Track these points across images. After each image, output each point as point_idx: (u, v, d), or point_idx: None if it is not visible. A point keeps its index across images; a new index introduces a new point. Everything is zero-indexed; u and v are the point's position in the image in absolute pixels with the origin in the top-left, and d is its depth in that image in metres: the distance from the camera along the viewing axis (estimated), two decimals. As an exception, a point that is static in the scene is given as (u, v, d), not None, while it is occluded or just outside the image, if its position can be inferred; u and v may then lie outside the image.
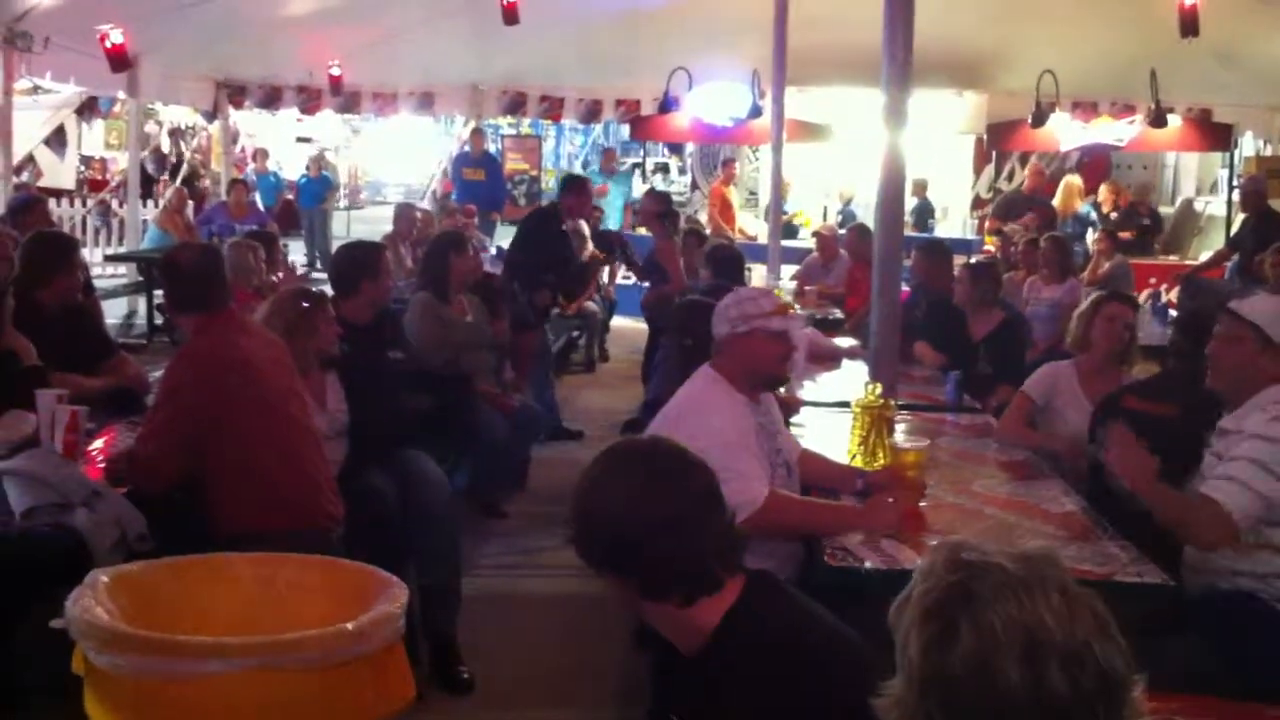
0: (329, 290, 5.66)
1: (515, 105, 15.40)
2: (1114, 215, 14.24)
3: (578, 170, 28.83)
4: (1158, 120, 12.94)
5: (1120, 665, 1.60)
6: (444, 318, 6.86)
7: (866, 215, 12.40)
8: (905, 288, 8.34)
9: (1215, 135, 14.06)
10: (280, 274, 7.81)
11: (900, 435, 4.91)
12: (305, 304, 4.83)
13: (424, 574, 4.97)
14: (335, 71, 13.91)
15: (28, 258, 5.50)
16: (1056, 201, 14.39)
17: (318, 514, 4.19)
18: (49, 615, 2.92)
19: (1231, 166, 15.32)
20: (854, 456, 4.60)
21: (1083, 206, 14.60)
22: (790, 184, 15.25)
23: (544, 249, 8.89)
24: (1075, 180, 15.00)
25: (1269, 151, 15.13)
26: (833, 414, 5.48)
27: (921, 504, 4.10)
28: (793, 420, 5.15)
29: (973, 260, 8.10)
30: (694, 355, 4.89)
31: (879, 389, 4.64)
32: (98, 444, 4.61)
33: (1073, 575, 3.33)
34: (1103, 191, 14.79)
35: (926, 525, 3.98)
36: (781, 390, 4.77)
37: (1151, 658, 3.35)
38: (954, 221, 15.68)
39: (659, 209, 10.06)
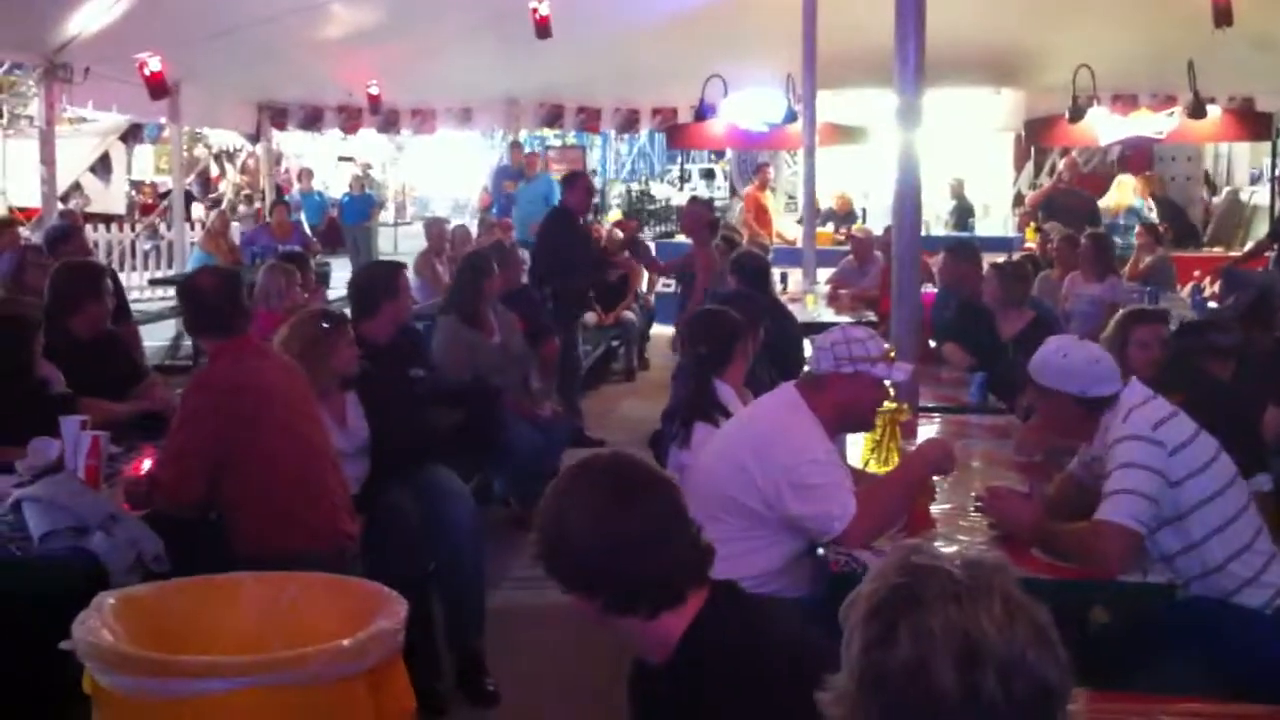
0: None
1: (552, 117, 15.50)
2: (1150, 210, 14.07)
3: (626, 177, 28.98)
4: (1196, 111, 12.79)
5: (1056, 677, 1.61)
6: (471, 343, 6.89)
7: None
8: (933, 288, 8.34)
9: (1256, 124, 13.88)
10: (308, 294, 7.88)
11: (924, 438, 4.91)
12: (324, 325, 4.89)
13: (447, 588, 5.04)
14: (374, 90, 14.06)
15: (56, 288, 5.62)
16: (1110, 198, 14.19)
17: (333, 534, 4.25)
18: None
19: (1274, 155, 15.08)
20: (867, 462, 4.61)
21: (1136, 201, 14.42)
22: (849, 195, 15.12)
23: (566, 250, 8.89)
24: (1129, 178, 14.80)
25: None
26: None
27: (933, 507, 4.11)
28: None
29: (1001, 260, 8.03)
30: (708, 364, 4.92)
31: (893, 392, 4.63)
32: (146, 464, 4.41)
33: (1079, 575, 3.32)
34: (1139, 184, 14.62)
35: (935, 527, 3.99)
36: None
37: (1146, 659, 3.34)
38: (995, 219, 15.55)
39: (707, 217, 10.04)
